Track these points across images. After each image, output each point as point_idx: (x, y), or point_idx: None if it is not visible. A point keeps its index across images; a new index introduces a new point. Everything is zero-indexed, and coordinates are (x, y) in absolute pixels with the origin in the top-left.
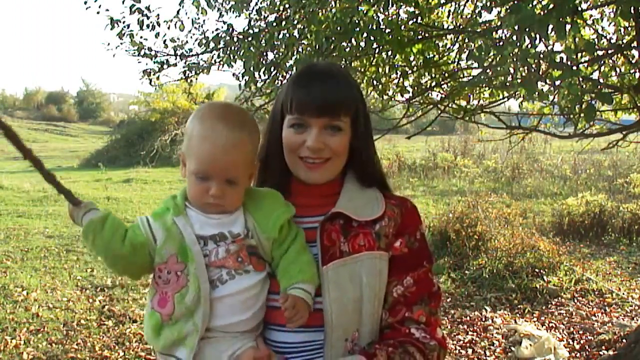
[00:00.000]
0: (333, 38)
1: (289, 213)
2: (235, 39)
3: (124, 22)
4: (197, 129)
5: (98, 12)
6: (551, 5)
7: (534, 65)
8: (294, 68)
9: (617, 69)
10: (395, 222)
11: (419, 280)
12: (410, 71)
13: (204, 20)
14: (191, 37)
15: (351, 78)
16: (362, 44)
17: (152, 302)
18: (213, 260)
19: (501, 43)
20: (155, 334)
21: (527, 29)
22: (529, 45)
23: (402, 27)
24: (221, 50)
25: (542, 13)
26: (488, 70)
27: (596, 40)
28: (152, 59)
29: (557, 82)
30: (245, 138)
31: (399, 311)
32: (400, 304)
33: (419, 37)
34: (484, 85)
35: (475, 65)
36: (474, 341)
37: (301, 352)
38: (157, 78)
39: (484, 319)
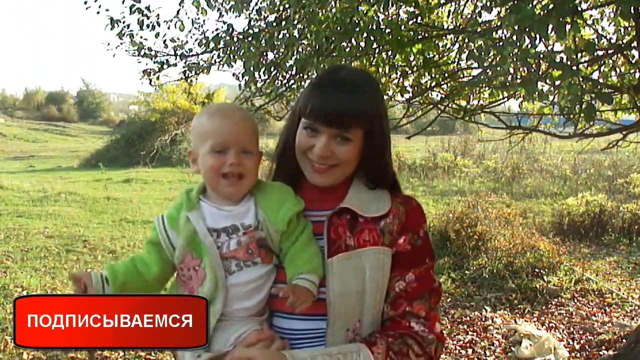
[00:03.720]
0: (333, 38)
1: (298, 206)
2: (235, 39)
3: (124, 22)
4: (206, 116)
5: (98, 12)
6: (551, 5)
7: (534, 65)
8: (294, 68)
9: (617, 69)
10: (400, 219)
11: (421, 277)
12: (410, 71)
13: (204, 20)
14: (191, 37)
15: (373, 88)
16: (362, 44)
17: None
18: (225, 252)
19: (501, 43)
20: None
21: (527, 29)
22: (529, 45)
23: (402, 27)
24: (221, 50)
25: (542, 13)
26: (488, 70)
27: (596, 40)
28: (152, 59)
29: (557, 82)
30: (252, 118)
31: (400, 305)
32: (402, 299)
33: (419, 37)
34: (484, 85)
35: (475, 65)
36: (474, 341)
37: (304, 338)
38: (157, 78)
39: (484, 319)
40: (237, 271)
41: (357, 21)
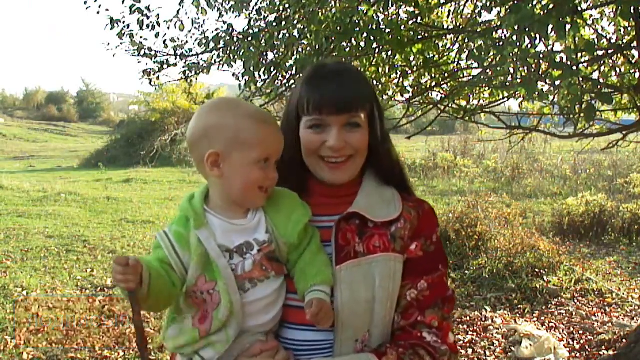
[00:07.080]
0: (333, 38)
1: (307, 216)
2: (235, 39)
3: (124, 22)
4: (252, 122)
5: (98, 12)
6: (551, 5)
7: (534, 65)
8: (294, 68)
9: (617, 69)
10: (412, 224)
11: (434, 285)
12: (410, 71)
13: (204, 20)
14: (191, 37)
15: (362, 75)
16: (362, 44)
17: (192, 320)
18: (240, 274)
19: (501, 43)
20: (190, 347)
21: (527, 29)
22: (529, 45)
23: (402, 27)
24: (221, 50)
25: (542, 13)
26: (488, 70)
27: (596, 40)
28: (152, 59)
29: (557, 82)
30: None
31: (411, 315)
32: (414, 308)
33: (419, 37)
34: (484, 85)
35: (475, 65)
36: (474, 341)
37: (312, 350)
38: (157, 78)
39: (484, 319)
40: (251, 288)
41: (357, 21)
